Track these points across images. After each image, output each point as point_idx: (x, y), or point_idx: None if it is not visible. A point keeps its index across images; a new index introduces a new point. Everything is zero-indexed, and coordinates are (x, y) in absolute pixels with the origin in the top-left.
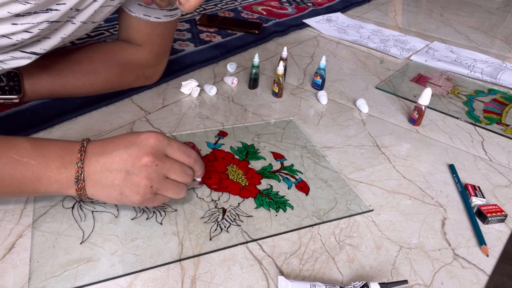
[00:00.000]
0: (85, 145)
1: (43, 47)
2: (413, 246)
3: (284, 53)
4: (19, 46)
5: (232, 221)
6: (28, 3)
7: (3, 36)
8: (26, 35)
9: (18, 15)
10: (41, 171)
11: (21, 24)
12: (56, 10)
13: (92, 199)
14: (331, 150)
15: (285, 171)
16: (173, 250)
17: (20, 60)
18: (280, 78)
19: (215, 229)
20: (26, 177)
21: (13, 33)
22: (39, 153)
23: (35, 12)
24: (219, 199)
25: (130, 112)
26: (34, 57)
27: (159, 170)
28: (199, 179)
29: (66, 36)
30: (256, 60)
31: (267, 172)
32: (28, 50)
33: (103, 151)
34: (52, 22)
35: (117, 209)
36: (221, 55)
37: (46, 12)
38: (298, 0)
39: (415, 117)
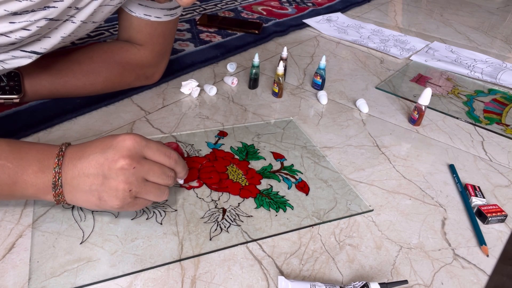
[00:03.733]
0: (63, 149)
1: (44, 46)
2: (413, 246)
3: (284, 53)
4: (19, 45)
5: (232, 221)
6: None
7: (1, 34)
8: (24, 33)
9: (15, 14)
10: (17, 174)
11: (19, 22)
12: (54, 7)
13: (70, 205)
14: (331, 150)
15: (285, 171)
16: (173, 250)
17: (20, 59)
18: (280, 78)
19: (215, 229)
20: (1, 180)
21: (11, 31)
22: (16, 156)
23: (33, 10)
24: (219, 199)
25: (130, 112)
26: (34, 56)
27: (137, 173)
28: (181, 181)
29: (66, 35)
30: (256, 60)
31: (267, 172)
32: (28, 49)
33: (80, 156)
34: (50, 19)
35: None
36: (221, 55)
37: (44, 10)
38: (298, 0)
39: (415, 117)
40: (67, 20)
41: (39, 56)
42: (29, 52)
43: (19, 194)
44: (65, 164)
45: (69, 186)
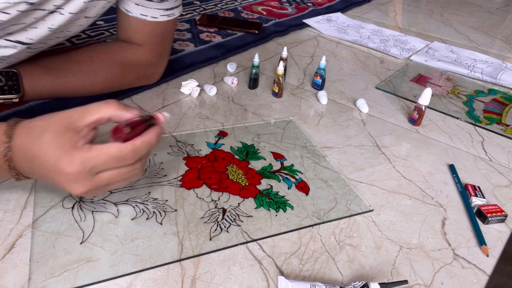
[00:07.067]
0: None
1: (29, 36)
2: (413, 246)
3: (284, 53)
4: (3, 34)
5: (232, 221)
6: None
7: None
8: (3, 16)
9: None
10: None
11: None
12: None
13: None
14: (331, 150)
15: (285, 171)
16: (173, 250)
17: (5, 49)
18: (280, 78)
19: (215, 229)
20: None
21: None
22: None
23: None
24: (219, 199)
25: None
26: (19, 46)
27: (97, 192)
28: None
29: (55, 27)
30: (256, 60)
31: (267, 172)
32: (13, 38)
33: (31, 160)
34: (31, 3)
35: (117, 210)
36: (221, 55)
37: None
38: (298, 0)
39: (415, 117)
40: (54, 11)
41: (24, 46)
42: (14, 41)
43: None
44: (16, 149)
45: (22, 161)
